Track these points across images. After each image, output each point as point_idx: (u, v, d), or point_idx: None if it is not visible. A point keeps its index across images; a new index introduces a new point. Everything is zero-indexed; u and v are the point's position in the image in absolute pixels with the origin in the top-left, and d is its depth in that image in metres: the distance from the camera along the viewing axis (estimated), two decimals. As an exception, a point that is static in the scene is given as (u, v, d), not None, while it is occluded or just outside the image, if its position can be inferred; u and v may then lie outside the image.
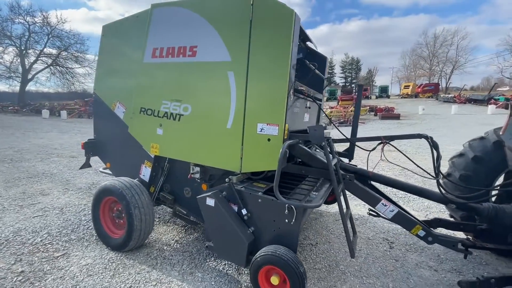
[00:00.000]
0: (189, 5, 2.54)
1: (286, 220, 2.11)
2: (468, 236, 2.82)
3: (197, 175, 2.76)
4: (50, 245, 2.83)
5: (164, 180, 3.09)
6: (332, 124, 3.45)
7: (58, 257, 2.65)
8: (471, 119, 17.41)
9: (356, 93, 3.30)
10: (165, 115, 2.75)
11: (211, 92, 2.48)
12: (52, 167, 6.14)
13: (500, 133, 2.75)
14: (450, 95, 32.39)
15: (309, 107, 3.04)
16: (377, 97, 43.65)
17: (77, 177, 5.50)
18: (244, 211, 2.27)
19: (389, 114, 20.59)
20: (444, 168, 3.01)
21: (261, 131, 2.26)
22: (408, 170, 2.79)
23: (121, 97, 3.19)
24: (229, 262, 2.65)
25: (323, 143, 2.14)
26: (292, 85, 2.24)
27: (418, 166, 2.52)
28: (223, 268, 2.57)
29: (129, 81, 3.07)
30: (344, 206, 2.30)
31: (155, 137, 2.84)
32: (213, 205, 2.33)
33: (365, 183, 2.72)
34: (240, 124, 2.34)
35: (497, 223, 2.31)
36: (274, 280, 1.94)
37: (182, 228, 3.39)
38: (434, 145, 2.47)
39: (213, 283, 2.34)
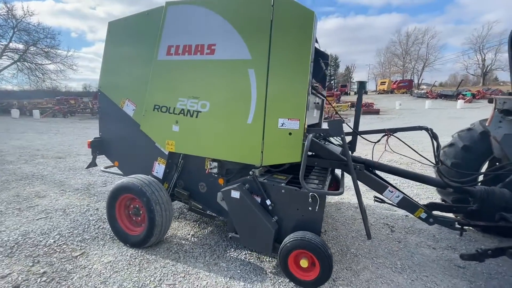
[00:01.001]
0: (206, 3, 2.59)
1: (310, 208, 2.28)
2: (458, 217, 3.17)
3: (215, 170, 2.85)
4: (65, 246, 2.79)
5: (178, 176, 3.14)
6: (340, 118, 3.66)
7: (77, 256, 2.62)
8: (444, 113, 18.71)
9: (357, 90, 3.52)
10: (182, 112, 2.79)
11: (231, 89, 2.57)
12: (40, 169, 5.86)
13: (486, 124, 3.09)
14: (423, 91, 34.40)
15: (318, 103, 3.22)
16: (355, 93, 45.20)
17: (70, 178, 5.31)
18: (268, 202, 2.40)
19: (369, 110, 21.52)
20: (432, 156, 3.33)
21: (282, 125, 2.39)
22: (413, 159, 3.05)
23: (131, 94, 3.17)
24: (249, 251, 2.78)
25: (342, 136, 2.32)
26: (310, 82, 2.39)
27: (421, 155, 2.78)
28: (244, 257, 2.69)
29: (140, 79, 3.07)
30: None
31: (171, 134, 2.88)
32: (238, 197, 2.44)
33: (371, 173, 2.96)
34: (260, 119, 2.45)
35: (488, 203, 2.63)
36: (304, 263, 2.10)
37: (195, 223, 3.46)
38: (434, 136, 2.74)
39: (238, 271, 2.46)
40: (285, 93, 2.37)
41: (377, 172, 3.02)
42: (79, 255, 2.65)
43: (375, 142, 3.04)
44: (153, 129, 2.99)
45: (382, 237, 3.20)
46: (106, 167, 4.08)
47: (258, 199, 2.48)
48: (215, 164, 2.84)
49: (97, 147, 3.48)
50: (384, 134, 2.98)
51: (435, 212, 3.15)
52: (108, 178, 5.34)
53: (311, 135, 2.24)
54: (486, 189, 2.65)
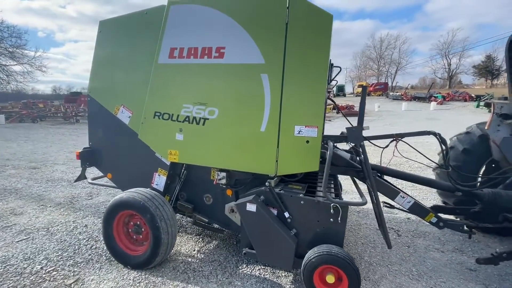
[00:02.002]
0: (215, 4, 2.43)
1: (331, 219, 2.18)
2: (458, 218, 3.23)
3: (223, 181, 2.67)
4: (55, 272, 2.46)
5: (180, 188, 2.92)
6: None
7: (71, 284, 2.32)
8: (420, 114, 19.72)
9: (361, 94, 3.51)
10: (187, 119, 2.59)
11: (242, 95, 2.42)
12: (12, 182, 5.28)
13: (486, 128, 3.20)
14: (398, 93, 36.13)
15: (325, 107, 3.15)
16: (334, 96, 46.59)
17: (50, 190, 4.83)
18: (286, 214, 2.27)
19: (350, 112, 22.08)
20: (435, 160, 3.39)
21: (298, 133, 2.28)
22: (421, 163, 3.07)
23: (126, 100, 2.91)
24: (262, 266, 2.62)
25: (362, 143, 2.25)
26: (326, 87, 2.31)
27: (431, 160, 2.80)
28: (259, 273, 2.54)
29: (137, 83, 2.83)
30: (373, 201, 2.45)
31: (174, 143, 2.66)
32: (254, 211, 2.28)
33: (380, 178, 2.93)
34: (275, 127, 2.32)
35: (496, 205, 2.69)
36: (330, 279, 1.99)
37: (198, 236, 3.24)
38: (442, 141, 2.76)
39: (256, 289, 2.30)
40: (302, 99, 2.26)
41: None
42: (73, 282, 2.34)
43: (384, 147, 3.02)
44: (154, 138, 2.75)
45: (396, 241, 3.18)
46: (94, 178, 3.74)
47: (275, 212, 2.34)
48: (223, 174, 2.66)
49: (87, 158, 3.16)
50: (392, 139, 2.98)
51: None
52: (93, 190, 4.93)
53: (332, 143, 2.15)
54: (493, 192, 2.71)
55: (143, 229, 2.57)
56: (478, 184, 3.26)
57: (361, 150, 2.33)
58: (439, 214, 2.75)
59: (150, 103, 2.71)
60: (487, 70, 50.58)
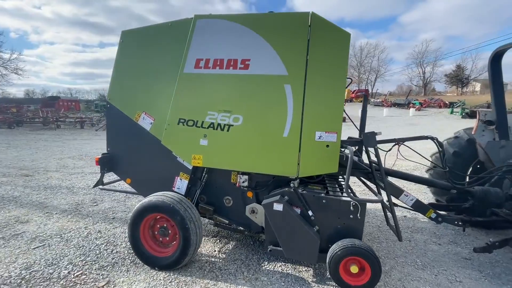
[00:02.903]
0: (240, 20, 2.63)
1: (351, 216, 2.42)
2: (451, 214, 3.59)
3: (245, 183, 2.84)
4: (84, 276, 2.50)
5: (201, 191, 3.05)
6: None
7: (103, 286, 2.37)
8: (401, 120, 20.85)
9: (362, 102, 3.83)
10: (211, 125, 2.75)
11: (266, 103, 2.62)
12: (8, 190, 5.10)
13: (472, 132, 3.61)
14: (378, 100, 37.84)
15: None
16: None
17: (50, 198, 4.73)
18: (310, 212, 2.48)
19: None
20: (427, 162, 3.75)
21: (319, 138, 2.51)
22: (424, 165, 3.39)
23: (148, 107, 3.02)
24: (283, 263, 2.80)
25: (376, 147, 2.52)
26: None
27: (431, 161, 3.15)
28: (281, 269, 2.71)
29: (159, 91, 2.95)
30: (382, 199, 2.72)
31: (198, 148, 2.80)
32: (281, 210, 2.47)
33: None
34: (297, 133, 2.54)
35: (486, 201, 3.05)
36: (354, 269, 2.21)
37: (215, 238, 3.36)
38: (440, 144, 3.11)
39: (283, 284, 2.48)
40: (322, 107, 2.50)
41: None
42: (104, 285, 2.40)
43: (387, 151, 3.33)
44: (177, 143, 2.88)
45: (393, 238, 3.48)
46: (105, 184, 3.77)
47: (298, 210, 2.54)
48: (246, 177, 2.83)
49: (106, 163, 3.20)
50: (394, 143, 3.29)
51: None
52: (97, 196, 4.89)
53: (352, 147, 2.40)
54: (483, 189, 3.08)
55: (169, 231, 2.68)
56: (466, 183, 3.65)
57: (366, 153, 2.60)
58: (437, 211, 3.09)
59: (174, 110, 2.84)
60: (457, 78, 54.29)
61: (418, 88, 63.37)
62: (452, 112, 23.39)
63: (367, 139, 2.52)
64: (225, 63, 2.69)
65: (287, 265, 2.77)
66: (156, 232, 2.72)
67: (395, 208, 2.71)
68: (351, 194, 2.31)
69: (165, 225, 2.68)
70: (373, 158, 2.74)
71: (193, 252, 2.60)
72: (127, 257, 2.86)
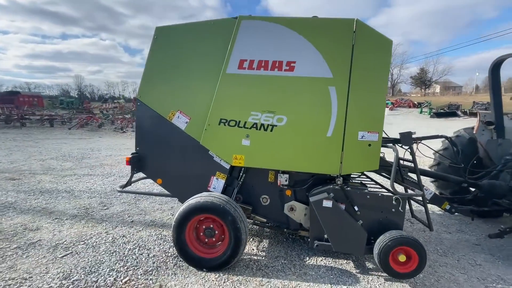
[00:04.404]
0: (286, 22, 2.69)
1: (393, 209, 2.61)
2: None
3: (286, 182, 2.92)
4: (133, 282, 2.41)
5: (238, 191, 3.07)
6: None
7: (157, 291, 2.32)
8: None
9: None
10: (254, 126, 2.78)
11: (310, 104, 2.71)
12: (-3, 195, 4.64)
13: (474, 132, 4.03)
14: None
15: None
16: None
17: (53, 203, 4.39)
18: (356, 208, 2.63)
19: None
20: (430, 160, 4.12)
21: (362, 138, 2.67)
22: (441, 161, 3.71)
23: (183, 106, 2.95)
24: (324, 257, 2.94)
25: (411, 146, 2.74)
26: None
27: (446, 158, 3.45)
28: (324, 263, 2.84)
29: (197, 90, 2.91)
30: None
31: (240, 148, 2.83)
32: (331, 206, 2.60)
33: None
34: (340, 133, 2.68)
35: (492, 193, 3.44)
36: (402, 258, 2.40)
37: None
38: (453, 143, 3.44)
39: (331, 276, 2.61)
40: (365, 108, 2.66)
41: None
42: (157, 289, 2.34)
43: (406, 149, 3.61)
44: (218, 143, 2.87)
45: (409, 229, 3.78)
46: (122, 186, 3.63)
47: (342, 206, 2.68)
48: (286, 176, 2.91)
49: (135, 164, 3.08)
50: (413, 142, 3.57)
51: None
52: (104, 199, 4.64)
53: (397, 146, 2.59)
54: (489, 182, 3.48)
55: (216, 232, 2.67)
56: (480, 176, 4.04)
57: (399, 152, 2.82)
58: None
59: (216, 110, 2.83)
60: (421, 80, 58.77)
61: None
62: (421, 112, 25.38)
63: (404, 138, 2.73)
64: (270, 64, 2.74)
65: (328, 259, 2.91)
66: (201, 234, 2.70)
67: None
68: (396, 189, 2.50)
69: (211, 225, 2.67)
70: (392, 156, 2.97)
71: (242, 252, 2.63)
72: (168, 260, 2.80)
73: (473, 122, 4.10)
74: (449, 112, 23.89)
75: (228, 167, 2.93)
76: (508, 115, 3.96)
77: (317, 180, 2.95)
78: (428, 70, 60.16)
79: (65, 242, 3.13)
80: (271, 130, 2.76)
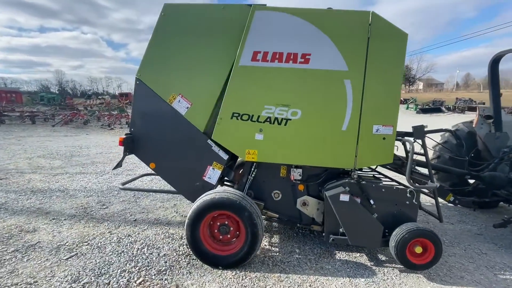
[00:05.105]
0: (302, 14, 2.63)
1: (407, 202, 2.64)
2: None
3: (299, 177, 2.89)
4: (148, 282, 2.31)
5: (249, 186, 3.02)
6: None
7: (175, 291, 2.23)
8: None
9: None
10: (268, 120, 2.73)
11: (326, 98, 2.68)
12: (-15, 196, 4.35)
13: (473, 125, 4.15)
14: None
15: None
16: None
17: (47, 203, 4.16)
18: (371, 201, 2.64)
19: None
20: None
21: (377, 131, 2.67)
22: (441, 153, 3.79)
23: (185, 90, 2.83)
24: (337, 250, 2.94)
25: (424, 139, 2.77)
26: None
27: (450, 151, 3.52)
28: (339, 257, 2.85)
29: (201, 76, 2.82)
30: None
31: (253, 143, 2.77)
32: (347, 200, 2.59)
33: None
34: (355, 126, 2.67)
35: (493, 184, 3.56)
36: (419, 249, 2.44)
37: (257, 233, 3.35)
38: (457, 137, 3.53)
39: (348, 270, 2.61)
40: (380, 102, 2.65)
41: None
42: (175, 289, 2.26)
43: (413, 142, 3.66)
44: (230, 138, 2.79)
45: (413, 221, 3.86)
46: (124, 183, 3.50)
47: (358, 200, 2.68)
48: (300, 170, 2.89)
49: (128, 145, 2.91)
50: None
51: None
52: (101, 198, 4.45)
53: (411, 139, 2.60)
54: (490, 174, 3.59)
55: (231, 228, 2.61)
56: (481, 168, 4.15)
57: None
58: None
59: (228, 104, 2.74)
60: (405, 77, 60.39)
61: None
62: (407, 108, 26.11)
63: (417, 132, 2.76)
64: (285, 56, 2.67)
65: (341, 253, 2.92)
66: (215, 231, 2.62)
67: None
68: (411, 182, 2.52)
69: (226, 222, 2.60)
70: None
71: (259, 248, 2.58)
72: (180, 259, 2.71)
73: (457, 117, 4.21)
74: (434, 108, 24.73)
75: (226, 158, 2.85)
76: (505, 109, 4.10)
77: (330, 174, 2.94)
78: (412, 67, 61.92)
79: (67, 244, 2.97)
80: (285, 124, 2.72)
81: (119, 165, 3.08)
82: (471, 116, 4.38)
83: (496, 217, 4.02)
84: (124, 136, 2.88)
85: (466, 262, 2.84)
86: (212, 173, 2.88)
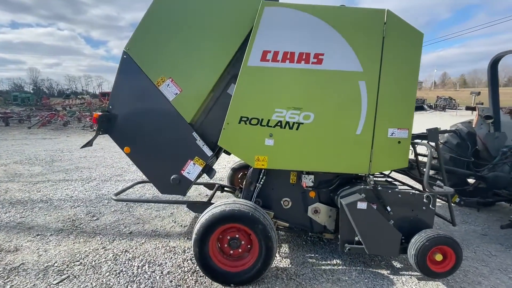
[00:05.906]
0: (313, 10, 2.46)
1: (424, 207, 2.56)
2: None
3: (311, 183, 2.74)
4: (154, 308, 2.08)
5: (257, 195, 2.84)
6: None
7: (185, 316, 2.01)
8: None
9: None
10: (278, 124, 2.56)
11: (339, 100, 2.54)
12: (-45, 210, 3.88)
13: (473, 126, 4.18)
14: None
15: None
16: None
17: (29, 216, 3.78)
18: (388, 208, 2.53)
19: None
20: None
21: (392, 135, 2.57)
22: (445, 153, 3.77)
23: (177, 75, 2.60)
24: (352, 260, 2.82)
25: (437, 142, 2.70)
26: None
27: (456, 151, 3.51)
28: (353, 266, 2.73)
29: (196, 62, 2.60)
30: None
31: (263, 149, 2.59)
32: (365, 208, 2.46)
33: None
34: (370, 130, 2.55)
35: (496, 184, 3.59)
36: (439, 257, 2.36)
37: (265, 243, 3.18)
38: (461, 137, 3.51)
39: (366, 280, 2.49)
40: (395, 104, 2.54)
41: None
42: (185, 314, 2.04)
43: (417, 144, 3.62)
44: (238, 144, 2.60)
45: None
46: (117, 194, 3.24)
47: (374, 207, 2.57)
48: (312, 177, 2.74)
49: (103, 124, 2.64)
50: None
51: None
52: (90, 208, 4.11)
53: (431, 143, 2.52)
54: (493, 174, 3.62)
55: (242, 242, 2.42)
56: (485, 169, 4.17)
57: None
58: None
59: (236, 107, 2.54)
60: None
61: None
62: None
63: (431, 134, 2.68)
64: (296, 56, 2.50)
65: (355, 262, 2.80)
66: (225, 245, 2.42)
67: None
68: (429, 186, 2.44)
69: (236, 235, 2.41)
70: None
71: (273, 262, 2.41)
72: (187, 277, 2.49)
73: (438, 114, 4.19)
74: (417, 106, 25.60)
75: (210, 154, 2.66)
76: (503, 109, 4.16)
77: (342, 180, 2.82)
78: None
79: (56, 264, 2.66)
80: (297, 129, 2.55)
81: (89, 143, 2.74)
82: (452, 114, 4.40)
83: (496, 216, 4.08)
84: (100, 113, 2.60)
85: (479, 265, 2.81)
86: (192, 168, 2.68)
